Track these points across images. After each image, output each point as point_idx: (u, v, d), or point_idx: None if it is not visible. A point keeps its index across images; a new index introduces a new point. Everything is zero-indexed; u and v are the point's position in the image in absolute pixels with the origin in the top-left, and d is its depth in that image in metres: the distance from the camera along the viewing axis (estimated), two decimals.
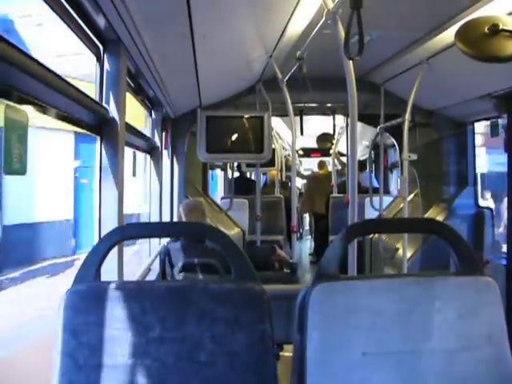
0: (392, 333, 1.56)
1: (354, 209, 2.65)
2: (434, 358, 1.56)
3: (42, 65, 1.66)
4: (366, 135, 8.33)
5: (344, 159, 9.97)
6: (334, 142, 8.86)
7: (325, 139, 8.32)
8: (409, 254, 4.55)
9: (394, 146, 7.58)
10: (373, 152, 10.29)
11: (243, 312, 1.57)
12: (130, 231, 1.63)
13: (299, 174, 11.28)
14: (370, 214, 5.97)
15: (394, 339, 1.56)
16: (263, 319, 1.58)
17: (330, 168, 10.34)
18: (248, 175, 9.51)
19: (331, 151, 9.96)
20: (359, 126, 8.23)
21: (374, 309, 1.56)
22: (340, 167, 9.78)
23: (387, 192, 8.08)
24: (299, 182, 12.95)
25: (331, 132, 7.13)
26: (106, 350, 1.53)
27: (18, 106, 1.57)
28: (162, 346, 1.54)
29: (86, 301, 1.55)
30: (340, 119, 7.50)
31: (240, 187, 7.18)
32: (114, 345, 1.53)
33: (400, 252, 4.85)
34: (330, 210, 7.63)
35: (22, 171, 1.56)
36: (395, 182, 8.94)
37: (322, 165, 9.43)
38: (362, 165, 9.21)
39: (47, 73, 1.71)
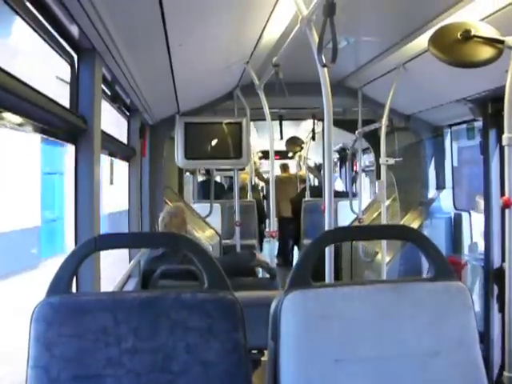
0: (365, 339, 1.58)
1: (330, 213, 2.66)
2: (407, 363, 1.58)
3: (14, 77, 1.64)
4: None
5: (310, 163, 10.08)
6: (304, 146, 8.85)
7: (293, 143, 8.34)
8: (388, 258, 4.58)
9: (365, 149, 7.66)
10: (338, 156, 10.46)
11: (216, 321, 1.57)
12: (103, 242, 1.62)
13: (260, 176, 11.20)
14: (344, 217, 6.01)
15: (367, 345, 1.57)
16: (236, 328, 1.58)
17: (292, 171, 10.42)
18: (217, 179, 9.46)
19: (298, 154, 10.00)
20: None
21: (347, 316, 1.58)
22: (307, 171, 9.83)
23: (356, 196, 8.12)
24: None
25: (300, 136, 7.16)
26: (79, 361, 1.52)
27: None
28: (136, 356, 1.54)
29: (59, 313, 1.54)
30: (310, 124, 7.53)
31: (208, 191, 7.16)
32: (88, 356, 1.53)
33: (379, 256, 4.88)
34: (302, 213, 7.61)
35: None
36: (364, 185, 8.96)
37: (285, 168, 9.40)
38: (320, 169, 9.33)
39: (19, 84, 1.69)
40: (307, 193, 8.48)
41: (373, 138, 5.56)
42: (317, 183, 11.13)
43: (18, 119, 1.86)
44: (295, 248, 9.40)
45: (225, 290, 1.63)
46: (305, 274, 1.63)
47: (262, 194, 10.57)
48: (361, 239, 4.10)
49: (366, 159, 8.27)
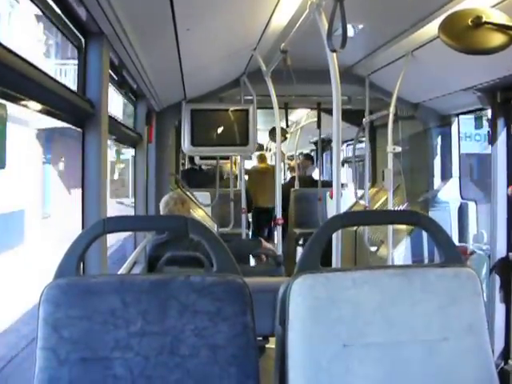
0: (374, 324, 1.57)
1: (338, 200, 2.66)
2: (416, 349, 1.58)
3: (22, 58, 1.63)
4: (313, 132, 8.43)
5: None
6: (288, 136, 8.74)
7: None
8: (393, 247, 4.58)
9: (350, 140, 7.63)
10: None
11: (225, 304, 1.57)
12: (111, 225, 1.62)
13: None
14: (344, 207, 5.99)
15: (375, 331, 1.57)
16: (245, 311, 1.58)
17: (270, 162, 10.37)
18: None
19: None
20: (303, 121, 8.21)
21: (356, 300, 1.57)
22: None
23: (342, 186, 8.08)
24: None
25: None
26: (87, 344, 1.53)
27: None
28: (144, 339, 1.54)
29: (67, 295, 1.54)
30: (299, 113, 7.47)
31: (193, 179, 7.10)
32: (96, 339, 1.53)
33: (385, 244, 4.88)
34: (292, 203, 7.54)
35: (1, 165, 1.55)
36: (348, 175, 8.94)
37: (262, 158, 9.33)
38: (308, 158, 9.24)
39: (28, 66, 1.69)
40: (296, 182, 8.37)
41: (369, 128, 5.51)
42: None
43: (34, 105, 1.87)
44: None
45: (234, 273, 1.63)
46: (314, 258, 1.63)
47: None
48: (370, 224, 4.09)
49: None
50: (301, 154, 10.14)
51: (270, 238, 9.22)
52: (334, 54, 2.55)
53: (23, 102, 1.81)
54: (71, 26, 2.32)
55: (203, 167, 8.30)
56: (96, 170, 2.44)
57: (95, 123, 2.47)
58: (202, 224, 1.68)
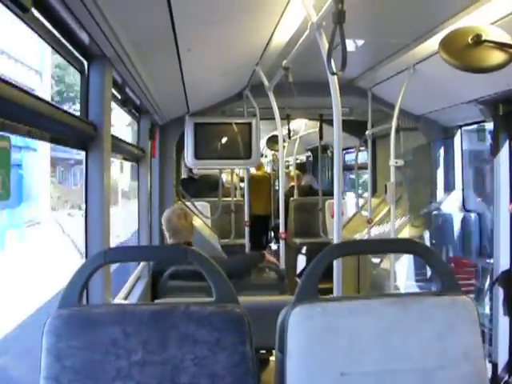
0: (371, 353, 1.59)
1: (339, 213, 2.66)
2: (413, 377, 1.59)
3: (25, 91, 1.65)
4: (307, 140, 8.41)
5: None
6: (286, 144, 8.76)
7: (274, 141, 8.26)
8: (397, 259, 4.58)
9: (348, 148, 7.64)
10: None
11: (224, 334, 1.59)
12: (113, 255, 1.65)
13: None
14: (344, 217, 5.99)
15: (372, 359, 1.58)
16: (244, 341, 1.60)
17: (267, 169, 10.39)
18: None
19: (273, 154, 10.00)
20: (302, 130, 8.23)
21: (353, 329, 1.59)
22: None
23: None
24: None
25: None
26: (89, 373, 1.55)
27: (1, 132, 1.57)
28: (145, 369, 1.56)
29: (69, 325, 1.56)
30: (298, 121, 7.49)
31: (191, 188, 7.10)
32: (98, 368, 1.55)
33: (386, 264, 4.89)
34: (292, 212, 7.53)
35: (5, 196, 1.57)
36: (347, 184, 8.95)
37: (259, 166, 9.33)
38: (300, 170, 9.26)
39: (30, 98, 1.70)
40: (295, 191, 8.39)
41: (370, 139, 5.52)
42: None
43: (38, 134, 1.88)
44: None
45: (233, 302, 1.65)
46: (311, 287, 1.65)
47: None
48: (368, 253, 4.12)
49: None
50: (297, 159, 10.16)
51: (266, 246, 9.25)
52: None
53: (26, 132, 1.83)
54: (73, 49, 2.33)
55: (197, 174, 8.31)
56: (100, 193, 2.46)
57: (98, 145, 2.49)
58: (201, 254, 1.70)
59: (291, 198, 7.80)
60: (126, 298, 3.51)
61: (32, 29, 1.88)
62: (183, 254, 1.69)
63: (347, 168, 8.53)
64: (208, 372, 1.57)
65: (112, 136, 2.73)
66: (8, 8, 1.53)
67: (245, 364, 1.60)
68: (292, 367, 1.59)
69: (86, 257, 2.43)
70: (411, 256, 4.87)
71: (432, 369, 1.60)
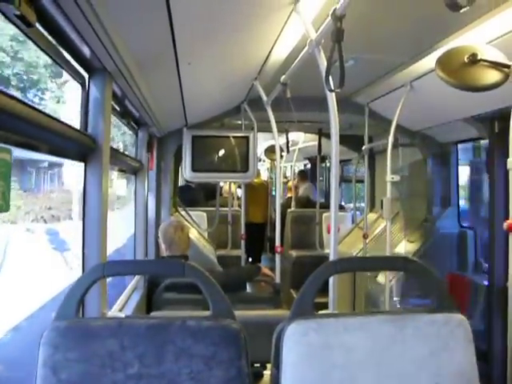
0: (366, 370, 1.60)
1: (335, 229, 2.68)
2: None
3: (24, 103, 1.67)
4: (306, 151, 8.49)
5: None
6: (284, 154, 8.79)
7: (272, 151, 8.28)
8: (390, 281, 4.59)
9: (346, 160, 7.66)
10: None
11: (220, 349, 1.60)
12: (111, 269, 1.66)
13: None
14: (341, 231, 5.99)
15: (367, 376, 1.59)
16: (240, 356, 1.61)
17: (264, 177, 10.40)
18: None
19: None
20: (301, 142, 8.27)
21: (348, 346, 1.60)
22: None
23: (341, 208, 8.06)
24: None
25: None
26: None
27: (3, 144, 1.58)
28: (141, 382, 1.57)
29: (66, 338, 1.57)
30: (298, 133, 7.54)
31: (187, 197, 7.08)
32: (94, 381, 1.56)
33: (381, 278, 4.90)
34: (288, 224, 7.55)
35: (5, 209, 1.58)
36: (345, 196, 8.97)
37: (257, 173, 9.34)
38: (302, 176, 9.24)
39: (30, 110, 1.72)
40: (293, 203, 8.39)
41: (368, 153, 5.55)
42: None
43: (37, 146, 1.90)
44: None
45: (230, 317, 1.66)
46: (307, 303, 1.66)
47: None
48: (363, 270, 4.15)
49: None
50: (295, 165, 10.18)
51: (260, 255, 9.22)
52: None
53: (24, 143, 1.84)
54: (74, 63, 2.36)
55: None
56: (98, 205, 2.46)
57: (97, 157, 2.50)
58: (198, 269, 1.71)
59: (289, 210, 7.79)
60: (121, 309, 3.51)
61: (35, 43, 1.90)
62: (181, 268, 1.70)
63: (346, 180, 8.55)
64: None
65: (111, 148, 2.75)
66: (13, 24, 1.55)
67: (240, 379, 1.61)
68: (287, 383, 1.59)
69: (83, 268, 2.44)
70: None
71: None
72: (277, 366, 1.63)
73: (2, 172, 1.56)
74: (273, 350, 1.66)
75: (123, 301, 3.69)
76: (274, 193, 9.57)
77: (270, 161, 10.50)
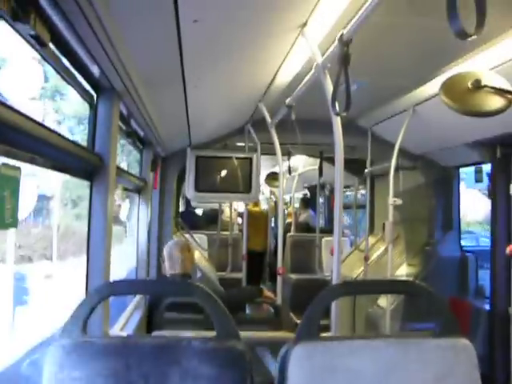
0: None
1: (338, 252, 2.68)
2: None
3: (35, 121, 1.69)
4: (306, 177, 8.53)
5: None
6: (285, 180, 8.77)
7: (273, 178, 8.32)
8: (391, 304, 4.59)
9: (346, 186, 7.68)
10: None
11: (225, 370, 1.60)
12: (117, 288, 1.66)
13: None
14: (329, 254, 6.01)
15: None
16: (245, 378, 1.61)
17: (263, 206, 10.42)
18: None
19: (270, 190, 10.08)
20: (301, 167, 8.33)
21: (353, 369, 1.60)
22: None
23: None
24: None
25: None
26: None
27: (13, 162, 1.60)
28: None
29: (71, 356, 1.56)
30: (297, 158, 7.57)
31: (189, 221, 7.09)
32: None
33: (382, 302, 4.89)
34: (288, 248, 7.56)
35: (14, 225, 1.59)
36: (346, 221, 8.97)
37: (256, 202, 9.36)
38: (304, 203, 9.31)
39: (40, 127, 1.74)
40: (292, 228, 8.40)
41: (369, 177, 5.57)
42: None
43: (45, 163, 1.91)
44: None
45: (235, 339, 1.66)
46: (312, 326, 1.66)
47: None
48: (367, 293, 4.16)
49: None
50: (291, 196, 10.22)
51: (259, 282, 9.22)
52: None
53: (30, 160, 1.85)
54: (84, 82, 2.39)
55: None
56: (103, 224, 2.47)
57: (103, 176, 2.52)
58: (205, 290, 1.71)
59: (288, 234, 7.82)
60: (122, 328, 3.50)
61: (47, 61, 1.93)
62: (188, 289, 1.70)
63: (345, 206, 8.57)
64: None
65: (116, 167, 2.77)
66: (28, 43, 1.58)
67: None
68: None
69: (86, 286, 2.44)
70: None
71: None
72: None
73: (11, 190, 1.57)
74: (277, 372, 1.66)
75: (124, 320, 3.69)
76: (272, 224, 9.64)
77: (269, 190, 10.50)
